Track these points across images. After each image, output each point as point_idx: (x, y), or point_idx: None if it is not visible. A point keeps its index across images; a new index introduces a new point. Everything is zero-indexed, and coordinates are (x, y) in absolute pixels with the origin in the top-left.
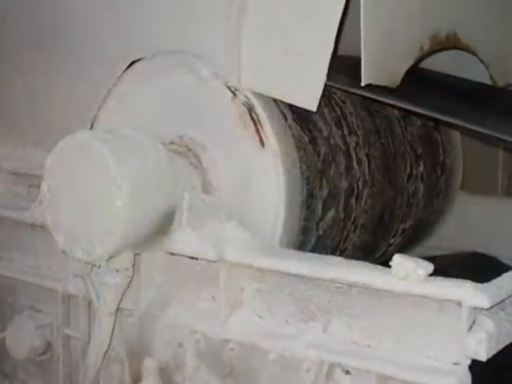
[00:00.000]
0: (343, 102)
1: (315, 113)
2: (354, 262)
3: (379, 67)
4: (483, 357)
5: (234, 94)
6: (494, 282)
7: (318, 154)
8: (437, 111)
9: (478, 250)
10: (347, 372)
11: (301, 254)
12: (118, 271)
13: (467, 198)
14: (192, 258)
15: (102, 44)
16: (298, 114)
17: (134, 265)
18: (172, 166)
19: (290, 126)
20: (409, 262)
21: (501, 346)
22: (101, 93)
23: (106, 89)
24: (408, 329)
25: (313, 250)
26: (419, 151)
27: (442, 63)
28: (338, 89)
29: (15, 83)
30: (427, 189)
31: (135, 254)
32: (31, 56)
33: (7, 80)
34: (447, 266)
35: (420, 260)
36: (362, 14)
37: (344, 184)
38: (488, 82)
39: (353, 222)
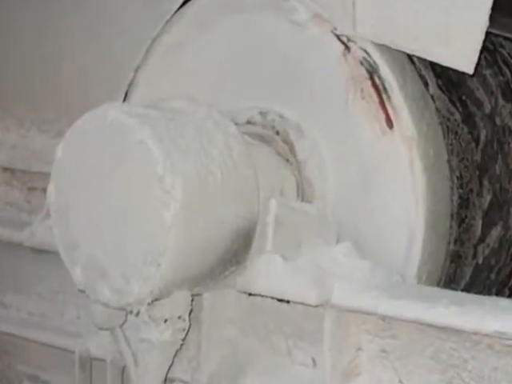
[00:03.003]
0: None
1: (472, 76)
2: None
3: None
4: None
5: (347, 47)
6: None
7: (477, 141)
8: None
9: None
10: None
11: (450, 294)
12: (166, 321)
13: None
14: (281, 300)
15: None
16: (446, 79)
17: (191, 311)
18: (250, 158)
19: (432, 97)
20: None
21: None
22: (139, 47)
23: (146, 41)
24: None
25: (468, 289)
26: None
27: None
28: (507, 39)
29: (12, 35)
30: None
31: (193, 295)
32: None
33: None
34: None
35: None
36: None
37: None
38: None
39: None
